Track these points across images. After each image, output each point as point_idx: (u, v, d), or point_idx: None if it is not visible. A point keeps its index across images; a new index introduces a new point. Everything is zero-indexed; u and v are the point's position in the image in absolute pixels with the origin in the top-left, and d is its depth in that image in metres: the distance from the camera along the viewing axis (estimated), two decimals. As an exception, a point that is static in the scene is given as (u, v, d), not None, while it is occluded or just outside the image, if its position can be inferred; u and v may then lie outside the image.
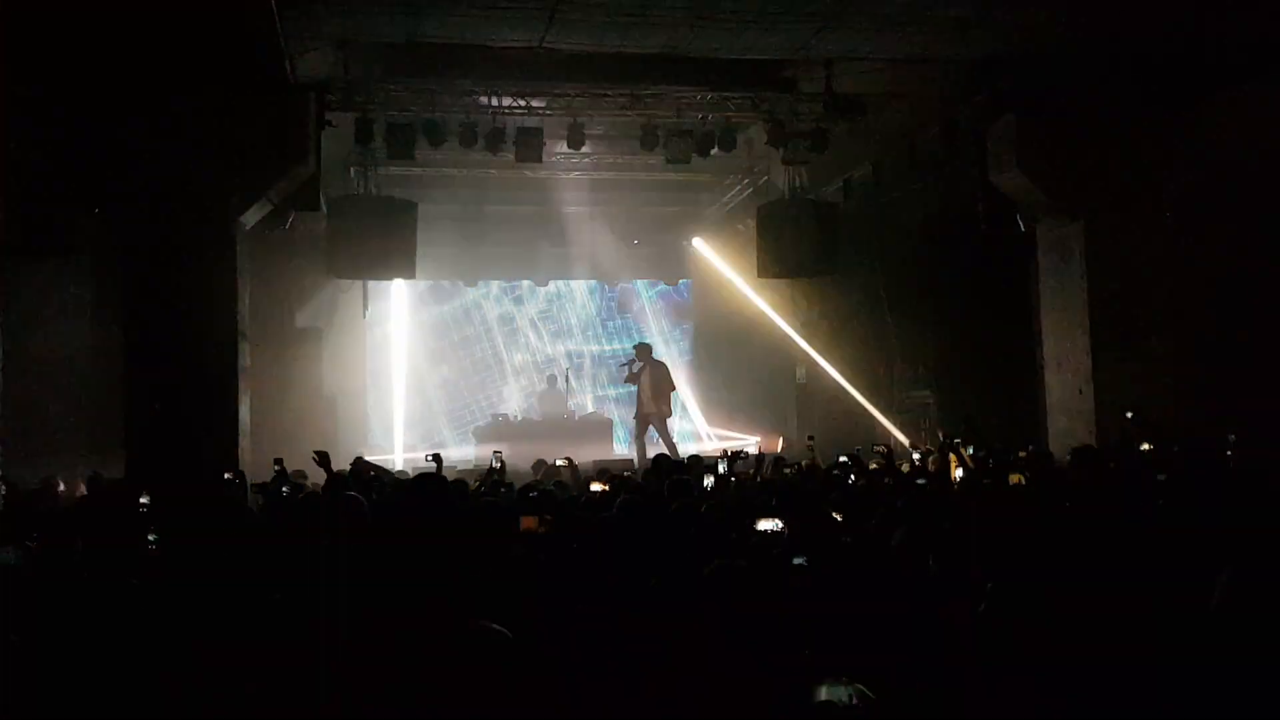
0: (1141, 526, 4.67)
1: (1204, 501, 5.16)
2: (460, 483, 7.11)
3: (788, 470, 8.68)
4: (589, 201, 16.70)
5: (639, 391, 14.78)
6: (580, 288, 19.32)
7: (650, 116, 12.38)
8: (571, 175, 15.57)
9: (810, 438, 10.97)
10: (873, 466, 8.13)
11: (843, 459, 8.32)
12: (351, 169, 13.46)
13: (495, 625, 2.90)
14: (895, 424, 14.38)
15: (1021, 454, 8.50)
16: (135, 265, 10.24)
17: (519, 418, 17.91)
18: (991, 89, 11.23)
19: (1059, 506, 5.70)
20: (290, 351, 14.86)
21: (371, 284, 16.08)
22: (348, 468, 7.78)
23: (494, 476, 7.82)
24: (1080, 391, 10.95)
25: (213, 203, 10.11)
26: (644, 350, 15.18)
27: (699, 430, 17.86)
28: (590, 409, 18.49)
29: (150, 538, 4.81)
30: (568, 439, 13.96)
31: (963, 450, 7.26)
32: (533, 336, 19.11)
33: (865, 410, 14.85)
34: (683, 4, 9.46)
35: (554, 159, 13.98)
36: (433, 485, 5.45)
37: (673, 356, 18.39)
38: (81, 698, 3.08)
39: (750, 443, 14.29)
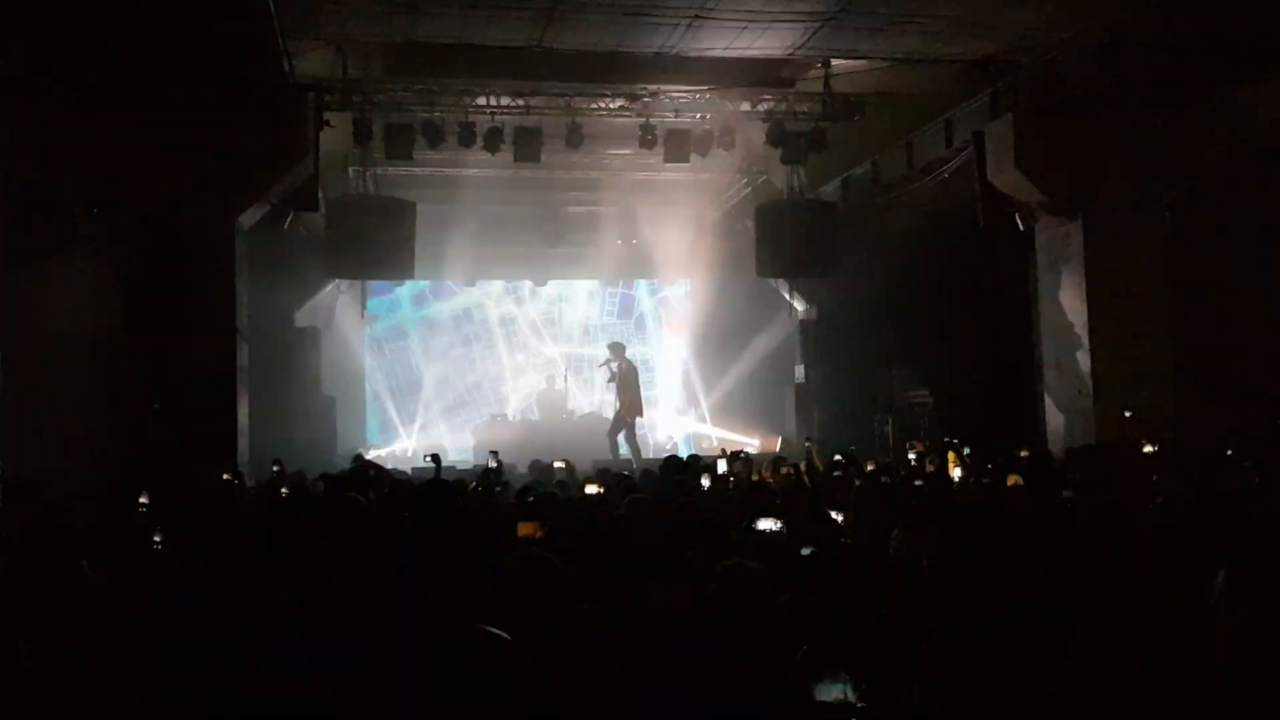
0: (1140, 526, 4.68)
1: (1202, 502, 5.16)
2: (461, 483, 7.11)
3: (786, 470, 8.68)
4: (588, 201, 16.67)
5: (619, 390, 14.70)
6: (580, 288, 19.31)
7: (649, 116, 12.39)
8: (571, 175, 15.56)
9: (808, 439, 10.98)
10: (870, 467, 8.13)
11: (837, 458, 8.33)
12: (350, 169, 13.46)
13: (493, 629, 2.89)
14: (894, 424, 14.35)
15: (1022, 454, 8.51)
16: (135, 265, 10.24)
17: (518, 418, 17.91)
18: (991, 89, 11.25)
19: (1058, 506, 5.70)
20: (290, 351, 14.84)
21: (371, 283, 16.08)
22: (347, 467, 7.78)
23: (491, 476, 7.83)
24: (1080, 391, 10.97)
25: (212, 202, 10.11)
26: (618, 349, 15.07)
27: (706, 432, 17.82)
28: (589, 409, 18.47)
29: (155, 538, 4.81)
30: (567, 439, 13.94)
31: (961, 450, 7.27)
32: (532, 337, 19.10)
33: (864, 410, 14.83)
34: (681, 3, 9.47)
35: (552, 158, 13.98)
36: (438, 494, 5.44)
37: (672, 357, 18.30)
38: (82, 697, 3.08)
39: (751, 444, 14.28)
